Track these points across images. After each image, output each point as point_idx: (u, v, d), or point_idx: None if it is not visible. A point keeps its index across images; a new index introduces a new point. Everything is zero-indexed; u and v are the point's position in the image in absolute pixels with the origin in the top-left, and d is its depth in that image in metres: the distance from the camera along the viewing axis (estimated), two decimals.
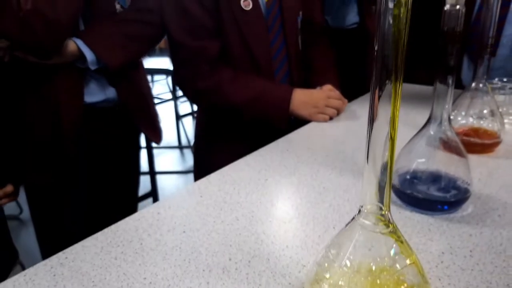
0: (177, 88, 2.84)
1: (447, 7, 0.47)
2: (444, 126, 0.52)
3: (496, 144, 0.72)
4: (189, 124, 3.66)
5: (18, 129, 0.92)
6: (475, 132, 0.72)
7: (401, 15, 0.26)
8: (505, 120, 0.81)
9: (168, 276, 0.42)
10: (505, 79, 0.89)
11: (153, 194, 1.96)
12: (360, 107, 1.05)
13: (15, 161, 0.95)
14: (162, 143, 1.18)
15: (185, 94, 1.04)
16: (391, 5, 0.26)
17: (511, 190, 0.59)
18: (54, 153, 0.94)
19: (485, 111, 0.73)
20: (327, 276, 0.34)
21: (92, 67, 0.90)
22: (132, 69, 1.01)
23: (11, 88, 0.91)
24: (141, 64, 1.09)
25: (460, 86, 1.15)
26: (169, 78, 4.27)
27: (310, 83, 1.06)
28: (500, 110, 0.75)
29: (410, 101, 1.07)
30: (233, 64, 0.97)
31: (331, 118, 0.95)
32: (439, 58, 0.49)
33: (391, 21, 0.27)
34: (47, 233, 1.04)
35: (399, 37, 0.27)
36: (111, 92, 0.97)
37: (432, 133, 0.53)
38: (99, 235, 0.50)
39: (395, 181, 0.55)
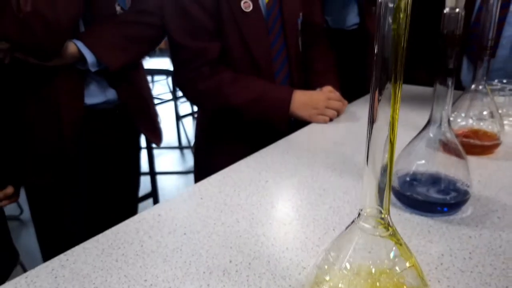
0: (177, 88, 2.85)
1: (446, 10, 0.48)
2: (444, 128, 0.53)
3: (496, 145, 0.72)
4: (189, 125, 3.67)
5: (18, 130, 0.93)
6: (475, 133, 0.72)
7: (401, 20, 0.26)
8: (505, 122, 0.81)
9: (168, 278, 0.42)
10: (504, 81, 0.90)
11: (154, 194, 1.96)
12: (360, 109, 1.05)
13: (15, 163, 0.95)
14: (162, 144, 1.18)
15: (185, 96, 1.05)
16: (390, 8, 0.26)
17: (511, 192, 0.59)
18: (55, 154, 0.94)
19: (484, 113, 0.73)
20: (327, 278, 0.34)
21: (93, 69, 0.90)
22: (132, 70, 1.02)
23: (11, 89, 0.91)
24: (141, 65, 1.09)
25: (460, 87, 1.15)
26: (169, 79, 4.27)
27: (310, 85, 1.06)
28: (500, 111, 0.76)
29: (410, 102, 1.07)
30: (233, 65, 0.97)
31: (331, 120, 0.96)
32: (438, 61, 0.50)
33: (391, 23, 0.27)
34: (47, 234, 1.04)
35: (399, 41, 0.27)
36: (111, 94, 0.98)
37: (431, 135, 0.53)
38: (100, 237, 0.50)
39: (395, 183, 0.55)
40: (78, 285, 0.42)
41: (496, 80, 0.90)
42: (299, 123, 0.94)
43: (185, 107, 3.88)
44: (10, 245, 1.06)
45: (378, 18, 0.27)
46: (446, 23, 0.48)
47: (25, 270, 1.48)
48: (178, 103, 3.42)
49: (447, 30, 0.48)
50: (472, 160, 0.65)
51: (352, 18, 1.42)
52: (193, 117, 3.73)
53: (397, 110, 0.29)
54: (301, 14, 1.05)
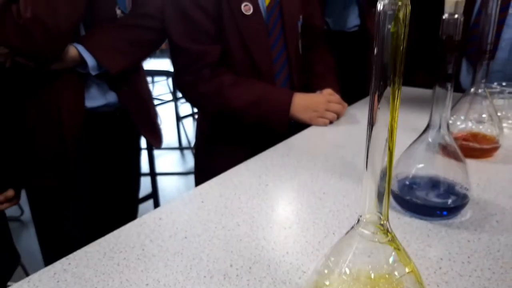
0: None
1: (445, 16, 0.48)
2: (443, 132, 0.53)
3: (495, 149, 0.73)
4: (189, 125, 3.67)
5: (19, 133, 0.93)
6: (474, 137, 0.73)
7: (399, 32, 0.27)
8: (504, 125, 0.81)
9: (170, 283, 0.43)
10: (504, 83, 0.90)
11: (154, 195, 1.97)
12: (360, 111, 1.06)
13: (16, 165, 0.95)
14: (163, 145, 1.19)
15: (186, 98, 1.05)
16: (390, 14, 0.27)
17: (509, 196, 0.59)
18: (55, 157, 0.94)
19: (484, 116, 0.73)
20: (327, 283, 0.35)
21: (93, 73, 0.91)
22: (132, 73, 1.02)
23: (12, 92, 0.92)
24: (141, 67, 1.10)
25: (459, 89, 1.16)
26: (170, 79, 4.28)
27: (310, 87, 1.06)
28: (499, 114, 0.76)
29: (410, 104, 1.08)
30: (234, 68, 0.97)
31: (331, 122, 0.96)
32: (437, 66, 0.50)
33: (390, 27, 0.27)
34: (48, 235, 1.04)
35: (398, 45, 0.27)
36: (111, 97, 0.98)
37: (430, 139, 0.53)
38: (102, 241, 0.51)
39: (394, 187, 0.55)
40: None
41: (495, 83, 0.91)
42: (299, 125, 0.95)
43: (186, 108, 3.89)
44: (11, 247, 1.07)
45: (377, 23, 0.27)
46: (445, 29, 0.48)
47: (26, 271, 1.49)
48: (179, 103, 3.43)
49: (446, 35, 0.49)
50: (471, 163, 0.65)
51: (353, 20, 1.42)
52: (194, 118, 3.73)
53: (396, 119, 0.29)
54: (301, 16, 1.06)
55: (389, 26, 0.27)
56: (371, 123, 0.30)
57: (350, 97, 1.09)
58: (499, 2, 0.66)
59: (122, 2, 0.95)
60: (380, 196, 0.32)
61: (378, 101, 0.29)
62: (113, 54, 0.92)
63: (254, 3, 0.94)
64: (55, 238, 1.04)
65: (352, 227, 0.34)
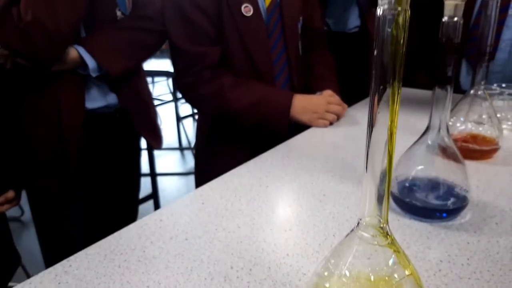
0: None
1: (445, 18, 0.48)
2: (443, 134, 0.53)
3: (494, 150, 0.73)
4: (189, 126, 3.67)
5: (19, 134, 0.93)
6: (474, 138, 0.73)
7: (399, 36, 0.27)
8: (503, 126, 0.81)
9: (170, 285, 0.43)
10: (503, 85, 0.90)
11: (154, 196, 1.97)
12: (360, 112, 1.06)
13: (16, 167, 0.96)
14: (163, 145, 1.19)
15: (186, 100, 1.05)
16: (389, 18, 0.27)
17: (509, 197, 0.60)
18: (55, 158, 0.94)
19: (483, 117, 0.73)
20: (327, 285, 0.35)
21: (94, 74, 0.91)
22: (132, 74, 1.02)
23: (12, 93, 0.92)
24: (141, 69, 1.10)
25: (459, 90, 1.16)
26: (170, 80, 4.28)
27: (310, 88, 1.07)
28: (499, 115, 0.76)
29: (410, 106, 1.08)
30: (234, 69, 0.97)
31: (331, 123, 0.96)
32: (437, 68, 0.50)
33: (389, 30, 0.27)
34: (49, 236, 1.04)
35: (398, 47, 0.27)
36: (112, 98, 0.98)
37: (430, 141, 0.54)
38: (102, 242, 0.51)
39: (394, 189, 0.55)
40: None
41: (495, 84, 0.91)
42: (299, 127, 0.95)
43: (186, 108, 3.89)
44: (12, 247, 1.07)
45: (377, 27, 0.28)
46: (444, 31, 0.49)
47: (26, 272, 1.49)
48: (179, 104, 3.43)
49: (445, 38, 0.49)
50: (471, 165, 0.65)
51: (353, 21, 1.42)
52: (194, 118, 3.73)
53: (395, 122, 0.29)
54: (301, 18, 1.06)
55: (389, 31, 0.27)
56: (370, 126, 0.30)
57: (350, 98, 1.09)
58: (499, 3, 0.66)
59: (122, 3, 0.96)
60: (380, 199, 0.32)
61: (378, 104, 0.29)
62: (114, 55, 0.92)
63: (254, 4, 0.94)
64: (56, 239, 1.04)
65: (352, 230, 0.34)
